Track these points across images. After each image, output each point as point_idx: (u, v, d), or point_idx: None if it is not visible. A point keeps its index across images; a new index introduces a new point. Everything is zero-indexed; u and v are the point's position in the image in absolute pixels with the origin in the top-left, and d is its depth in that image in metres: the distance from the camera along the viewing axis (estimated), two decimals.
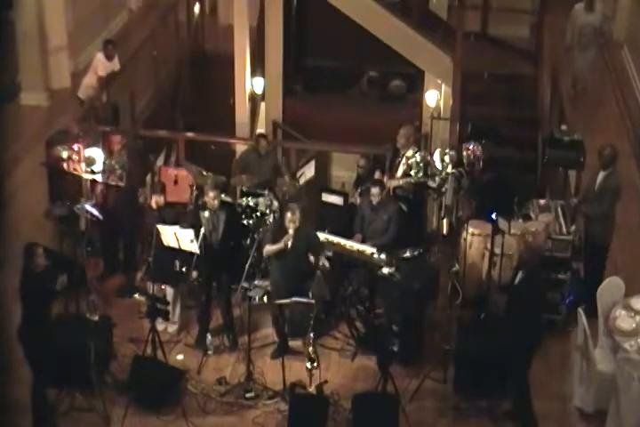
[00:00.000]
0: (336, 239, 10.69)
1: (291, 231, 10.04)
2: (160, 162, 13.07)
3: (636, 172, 13.12)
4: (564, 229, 10.89)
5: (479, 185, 11.39)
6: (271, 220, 11.52)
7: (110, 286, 11.44)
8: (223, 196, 10.86)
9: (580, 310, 9.75)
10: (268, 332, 10.73)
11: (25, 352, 8.84)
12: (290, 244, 10.05)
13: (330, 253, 10.80)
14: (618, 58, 15.61)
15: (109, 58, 13.66)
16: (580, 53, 14.59)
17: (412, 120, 13.08)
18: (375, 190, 10.77)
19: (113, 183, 11.31)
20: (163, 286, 10.67)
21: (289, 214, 10.06)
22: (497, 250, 10.27)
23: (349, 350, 10.56)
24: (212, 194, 10.26)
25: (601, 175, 10.70)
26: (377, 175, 11.60)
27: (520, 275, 9.40)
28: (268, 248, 10.24)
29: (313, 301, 9.83)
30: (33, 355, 8.96)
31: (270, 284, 10.44)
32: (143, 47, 14.58)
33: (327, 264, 10.76)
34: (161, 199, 10.81)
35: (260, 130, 13.80)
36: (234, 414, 9.74)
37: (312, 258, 10.28)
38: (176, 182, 12.26)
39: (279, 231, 10.18)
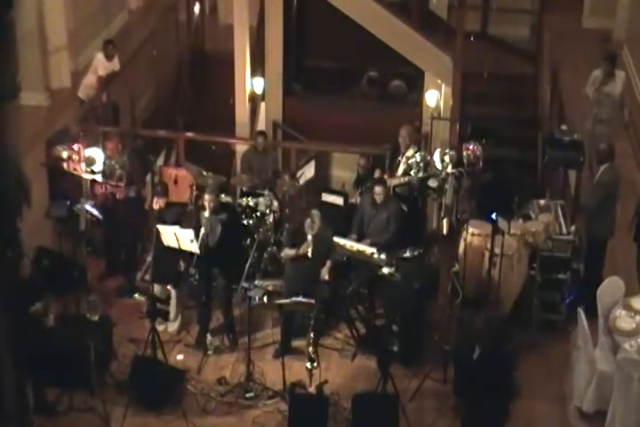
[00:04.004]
0: (336, 239, 10.68)
1: (309, 238, 10.05)
2: (160, 162, 13.07)
3: (636, 172, 13.11)
4: (564, 229, 10.89)
5: (479, 185, 11.39)
6: (271, 220, 11.52)
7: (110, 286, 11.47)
8: (223, 196, 10.84)
9: (580, 310, 9.74)
10: (268, 332, 10.74)
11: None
12: (310, 251, 10.05)
13: (344, 258, 10.74)
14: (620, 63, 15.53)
15: (109, 58, 13.64)
16: (599, 129, 12.67)
17: (412, 120, 13.06)
18: (379, 189, 10.76)
19: (113, 183, 11.31)
20: (168, 287, 10.70)
21: (308, 221, 10.06)
22: (497, 250, 10.26)
23: (349, 350, 10.55)
24: (207, 197, 10.25)
25: (599, 170, 10.73)
26: (377, 175, 11.60)
27: (477, 350, 9.05)
28: (288, 252, 10.26)
29: (313, 301, 9.82)
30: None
31: (284, 284, 10.43)
32: (143, 47, 14.57)
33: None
34: (162, 201, 10.81)
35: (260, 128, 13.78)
36: (234, 414, 9.73)
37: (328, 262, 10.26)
38: (176, 182, 12.27)
39: (297, 235, 10.20)
